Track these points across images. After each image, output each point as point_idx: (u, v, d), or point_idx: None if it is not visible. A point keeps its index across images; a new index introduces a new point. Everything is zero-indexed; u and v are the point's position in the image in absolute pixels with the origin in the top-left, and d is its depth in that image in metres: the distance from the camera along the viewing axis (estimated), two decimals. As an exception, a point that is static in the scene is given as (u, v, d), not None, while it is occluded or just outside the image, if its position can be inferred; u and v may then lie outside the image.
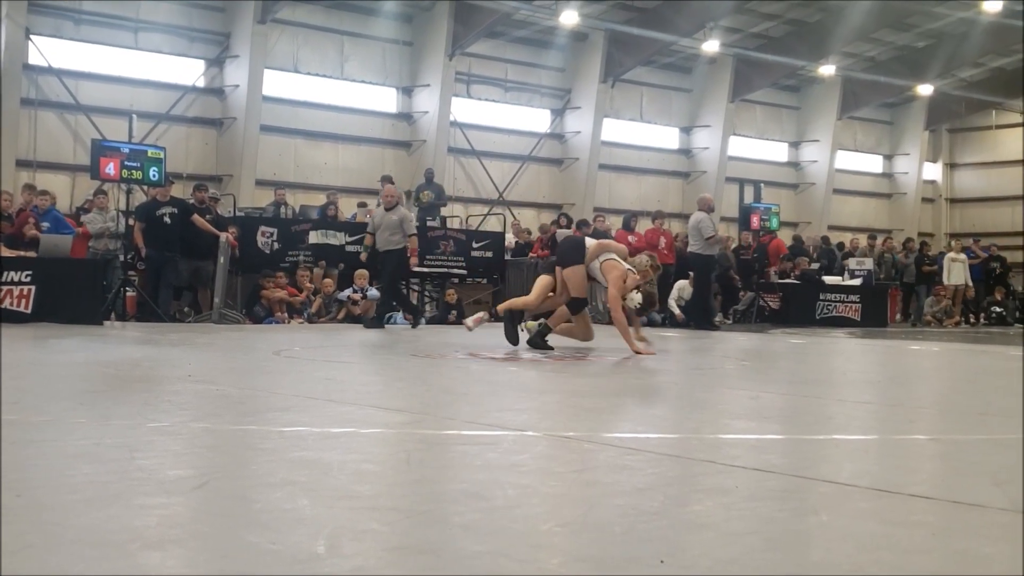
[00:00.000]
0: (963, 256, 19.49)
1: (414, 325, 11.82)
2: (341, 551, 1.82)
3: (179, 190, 14.08)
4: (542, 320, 8.07)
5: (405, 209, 11.98)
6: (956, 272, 19.06)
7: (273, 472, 2.58)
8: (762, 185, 18.83)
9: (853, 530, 2.08)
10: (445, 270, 14.40)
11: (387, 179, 16.33)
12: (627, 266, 7.77)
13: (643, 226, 16.16)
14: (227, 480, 2.49)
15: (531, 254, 15.79)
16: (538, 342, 7.75)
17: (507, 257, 15.60)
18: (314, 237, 13.43)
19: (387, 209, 11.49)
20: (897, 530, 2.08)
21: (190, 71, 19.22)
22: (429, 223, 15.06)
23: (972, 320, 19.60)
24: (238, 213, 14.57)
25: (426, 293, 15.31)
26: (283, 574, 1.67)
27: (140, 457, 2.71)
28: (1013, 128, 29.95)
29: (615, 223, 18.52)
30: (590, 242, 8.09)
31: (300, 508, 2.14)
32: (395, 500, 2.32)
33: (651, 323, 8.73)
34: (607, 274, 7.68)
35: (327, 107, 20.61)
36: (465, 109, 22.26)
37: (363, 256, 11.95)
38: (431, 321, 13.76)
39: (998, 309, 20.16)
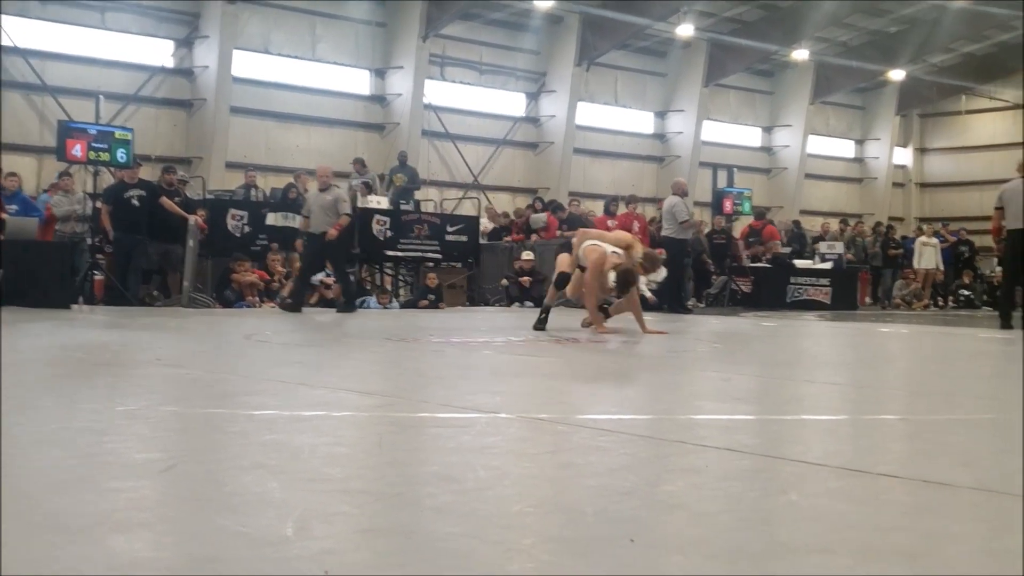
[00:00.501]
0: (935, 240, 19.71)
1: (287, 307, 10.93)
2: (311, 533, 1.80)
3: (148, 172, 13.89)
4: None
5: (340, 190, 11.53)
6: (927, 256, 19.29)
7: (243, 455, 2.55)
8: (735, 170, 18.91)
9: (823, 509, 2.09)
10: (419, 254, 14.31)
11: (360, 162, 16.23)
12: (611, 249, 7.85)
13: (621, 210, 16.16)
14: (196, 463, 2.47)
15: (507, 238, 15.76)
16: (539, 325, 7.93)
17: (482, 241, 15.56)
18: (272, 219, 13.12)
19: (321, 189, 11.05)
20: (867, 509, 2.09)
21: (159, 52, 18.97)
22: (403, 207, 14.95)
23: (940, 303, 19.85)
24: (208, 196, 14.41)
25: (400, 277, 15.24)
26: (251, 556, 1.66)
27: (108, 441, 2.68)
28: (983, 113, 30.27)
29: (589, 207, 18.54)
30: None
31: (269, 491, 2.12)
32: (366, 483, 2.31)
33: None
34: (588, 258, 7.88)
35: (298, 89, 20.41)
36: (439, 92, 22.13)
37: (298, 243, 11.44)
38: (405, 305, 13.70)
39: (966, 292, 20.43)
